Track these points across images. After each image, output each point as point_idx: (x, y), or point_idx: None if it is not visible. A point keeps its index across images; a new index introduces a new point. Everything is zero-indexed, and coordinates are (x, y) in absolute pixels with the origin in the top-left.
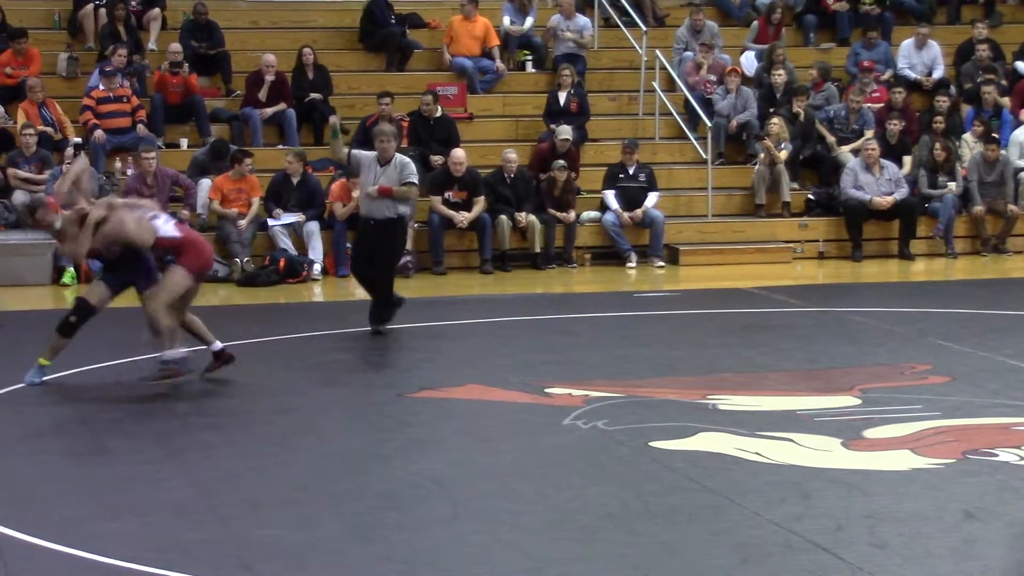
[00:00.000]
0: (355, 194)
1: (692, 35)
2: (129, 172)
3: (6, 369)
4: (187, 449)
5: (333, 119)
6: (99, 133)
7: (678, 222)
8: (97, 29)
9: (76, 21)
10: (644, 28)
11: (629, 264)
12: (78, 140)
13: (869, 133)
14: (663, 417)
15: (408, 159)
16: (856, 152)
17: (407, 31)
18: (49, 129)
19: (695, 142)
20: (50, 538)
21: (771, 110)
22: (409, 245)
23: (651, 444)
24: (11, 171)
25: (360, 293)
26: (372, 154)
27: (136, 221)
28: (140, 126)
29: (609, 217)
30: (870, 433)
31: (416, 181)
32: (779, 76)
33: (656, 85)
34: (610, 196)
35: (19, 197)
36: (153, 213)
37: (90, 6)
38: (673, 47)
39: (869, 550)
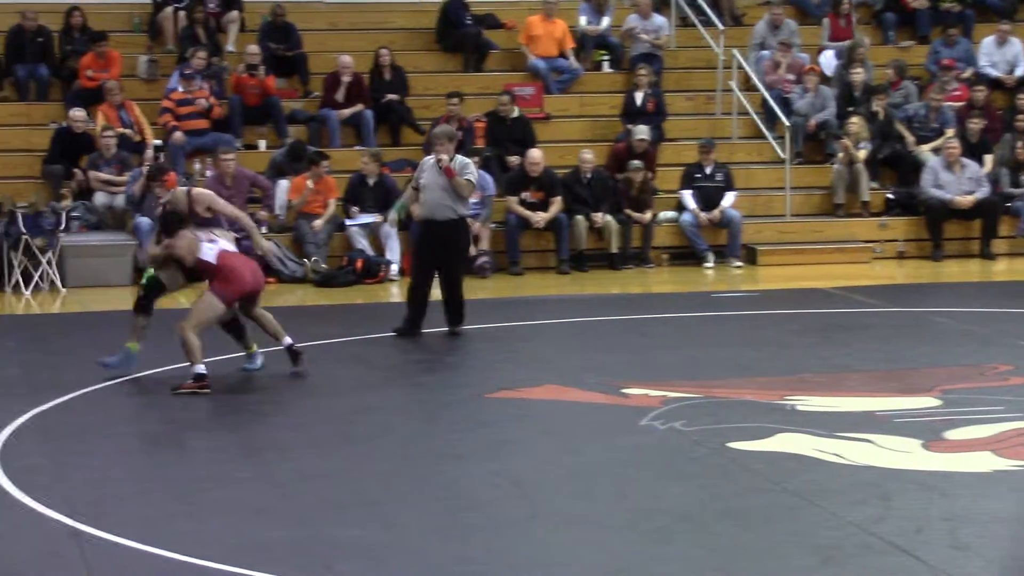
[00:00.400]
0: None
1: (770, 31)
2: (208, 173)
3: (87, 369)
4: (267, 448)
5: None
6: (178, 135)
7: (756, 222)
8: (176, 32)
9: (156, 24)
10: (721, 27)
11: (707, 264)
12: (158, 142)
13: (950, 132)
14: (741, 418)
15: (468, 160)
16: (936, 151)
17: (483, 32)
18: (128, 131)
19: (773, 141)
20: (132, 537)
21: (850, 109)
22: (486, 245)
23: (729, 445)
24: (92, 173)
25: (436, 293)
26: (433, 157)
27: (190, 242)
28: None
29: (687, 217)
30: (951, 434)
31: (473, 180)
32: (858, 75)
33: (733, 84)
34: (687, 196)
35: (100, 199)
36: (209, 238)
37: (170, 9)
38: (750, 43)
39: (950, 552)
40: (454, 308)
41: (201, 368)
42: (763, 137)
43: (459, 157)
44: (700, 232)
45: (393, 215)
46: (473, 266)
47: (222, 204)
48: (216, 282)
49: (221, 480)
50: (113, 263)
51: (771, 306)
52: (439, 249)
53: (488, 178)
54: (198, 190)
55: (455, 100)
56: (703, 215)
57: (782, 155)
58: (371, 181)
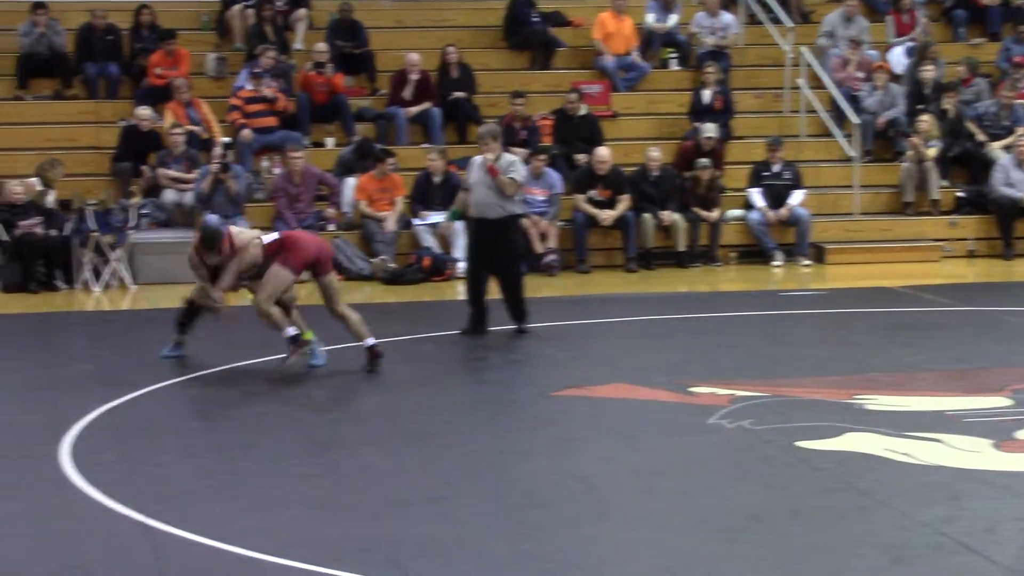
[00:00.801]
0: None
1: (842, 23)
2: (276, 171)
3: (156, 365)
4: (332, 445)
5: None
6: (246, 132)
7: (824, 220)
8: (244, 29)
9: (224, 22)
10: (790, 24)
11: (774, 263)
12: (227, 140)
13: (1021, 130)
14: (809, 417)
15: (516, 158)
16: (1007, 149)
17: (550, 29)
18: (197, 128)
19: (841, 139)
20: (201, 533)
21: (920, 107)
22: (553, 243)
23: (797, 444)
24: (160, 171)
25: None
26: (481, 157)
27: (251, 247)
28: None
29: (754, 215)
30: (1022, 434)
31: (519, 179)
32: (928, 72)
33: (802, 82)
34: (755, 194)
35: (168, 196)
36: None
37: (238, 7)
38: (819, 32)
39: (1021, 553)
40: (515, 306)
41: (291, 330)
42: (831, 135)
43: (506, 155)
44: (768, 230)
45: (447, 222)
46: (540, 264)
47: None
48: (281, 255)
49: (288, 476)
50: (182, 260)
51: (839, 305)
52: (490, 248)
53: (555, 176)
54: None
55: (519, 100)
56: (771, 213)
57: (851, 153)
58: (437, 179)
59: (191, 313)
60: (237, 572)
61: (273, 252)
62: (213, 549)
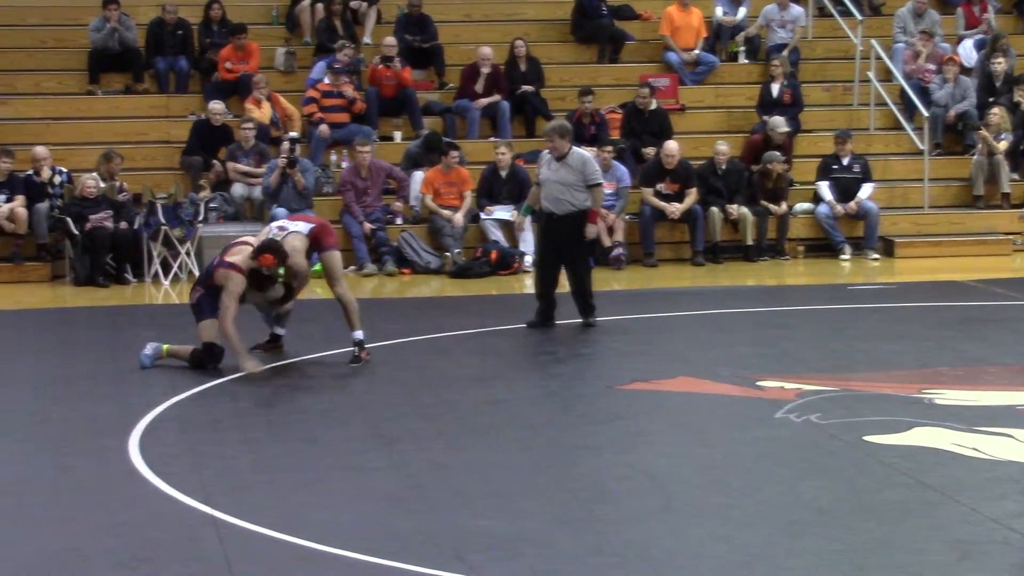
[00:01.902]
0: None
1: (913, 18)
2: (344, 164)
3: (223, 358)
4: (398, 439)
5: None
6: (324, 128)
7: (893, 214)
8: (314, 24)
9: (293, 16)
10: (860, 17)
11: (843, 256)
12: (294, 135)
13: None
14: (877, 411)
15: (589, 156)
16: None
17: (618, 22)
18: (271, 124)
19: (911, 132)
20: (267, 525)
21: (991, 99)
22: (620, 237)
23: (865, 438)
24: (230, 164)
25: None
26: (548, 152)
27: (295, 253)
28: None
29: (823, 209)
30: None
31: (600, 180)
32: (999, 64)
33: (871, 75)
34: (824, 187)
35: (237, 190)
36: (281, 226)
37: (307, 1)
38: (894, 26)
39: None
40: (583, 300)
41: (359, 334)
42: (901, 128)
43: (576, 151)
44: (836, 224)
45: (520, 217)
46: (608, 257)
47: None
48: (324, 240)
49: (354, 469)
50: None
51: (908, 299)
52: (560, 242)
53: (623, 169)
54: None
55: (588, 98)
56: (839, 206)
57: (921, 146)
58: (504, 173)
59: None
60: (302, 564)
61: (316, 238)
62: (279, 541)
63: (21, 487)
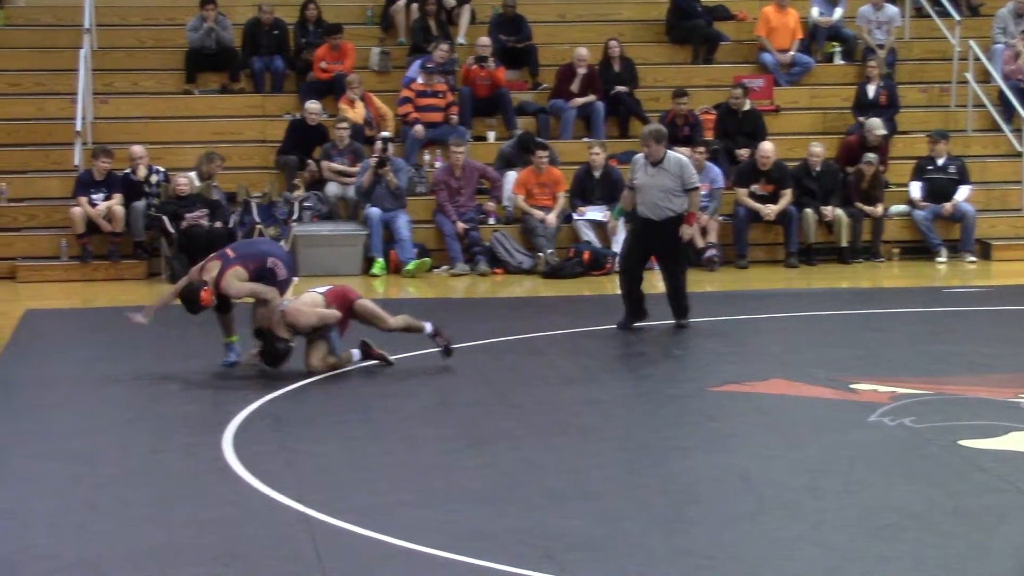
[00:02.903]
0: None
1: (1014, 19)
2: (437, 164)
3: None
4: (492, 438)
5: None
6: (419, 128)
7: (991, 216)
8: (408, 24)
9: (388, 16)
10: (957, 18)
11: (939, 259)
12: (386, 134)
13: None
14: (973, 415)
15: (685, 160)
16: None
17: (714, 23)
18: (364, 124)
19: (1009, 134)
20: (359, 523)
21: None
22: (714, 238)
23: (960, 443)
24: (325, 163)
25: (662, 285)
26: (642, 155)
27: (307, 307)
28: (453, 118)
29: (919, 211)
30: None
31: (698, 183)
32: None
33: (969, 76)
34: (915, 187)
35: (332, 189)
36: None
37: (402, 2)
38: (993, 27)
39: None
40: (678, 302)
41: (429, 326)
42: (999, 130)
43: (671, 155)
44: (933, 226)
45: (613, 221)
46: (701, 258)
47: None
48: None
49: (447, 468)
50: (344, 252)
51: (1005, 302)
52: (656, 246)
53: (717, 170)
54: (224, 282)
55: (682, 99)
56: (923, 203)
57: (1019, 148)
58: (597, 173)
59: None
60: (394, 563)
61: (336, 296)
62: (371, 539)
63: (116, 483)
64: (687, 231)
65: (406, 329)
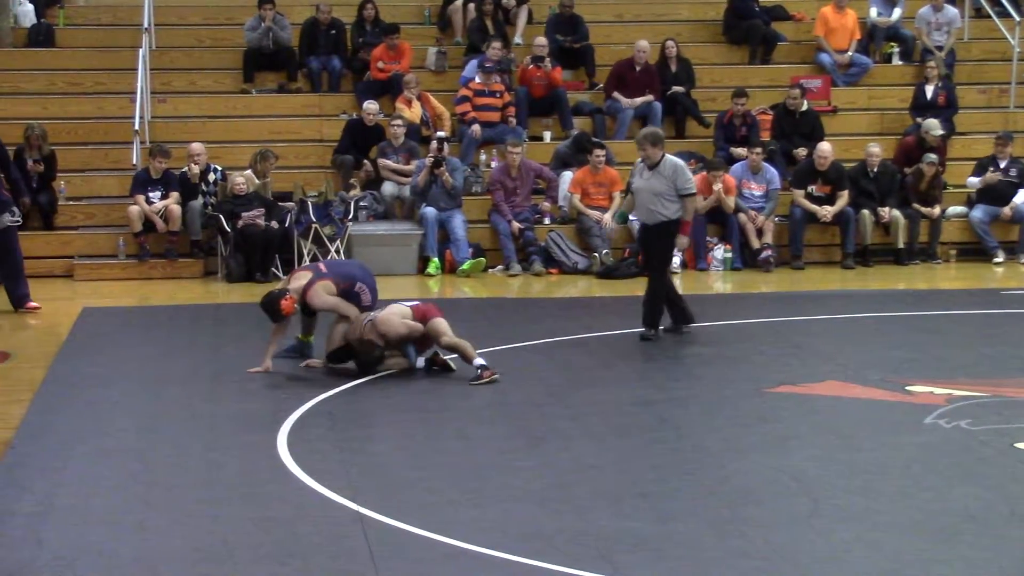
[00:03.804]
0: (716, 187)
1: None
2: (493, 164)
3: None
4: (546, 439)
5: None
6: (476, 127)
7: None
8: (465, 24)
9: (445, 16)
10: (1017, 19)
11: (996, 260)
12: (442, 133)
13: None
14: None
15: (681, 164)
16: None
17: (771, 23)
18: (420, 124)
19: None
20: (414, 523)
21: None
22: (770, 239)
23: (1017, 445)
24: (381, 161)
25: (718, 286)
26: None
27: (393, 318)
28: (511, 120)
29: (976, 213)
30: None
31: (693, 189)
32: None
33: None
34: (975, 183)
35: (387, 189)
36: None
37: (459, 2)
38: None
39: None
40: (649, 309)
41: (480, 360)
42: None
43: (668, 159)
44: (989, 228)
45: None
46: (757, 259)
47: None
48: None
49: (501, 468)
50: (399, 252)
51: None
52: (646, 250)
53: (773, 171)
54: (311, 292)
55: (741, 100)
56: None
57: None
58: None
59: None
60: (449, 563)
61: (422, 313)
62: (425, 539)
63: (171, 480)
64: (683, 241)
65: (456, 349)
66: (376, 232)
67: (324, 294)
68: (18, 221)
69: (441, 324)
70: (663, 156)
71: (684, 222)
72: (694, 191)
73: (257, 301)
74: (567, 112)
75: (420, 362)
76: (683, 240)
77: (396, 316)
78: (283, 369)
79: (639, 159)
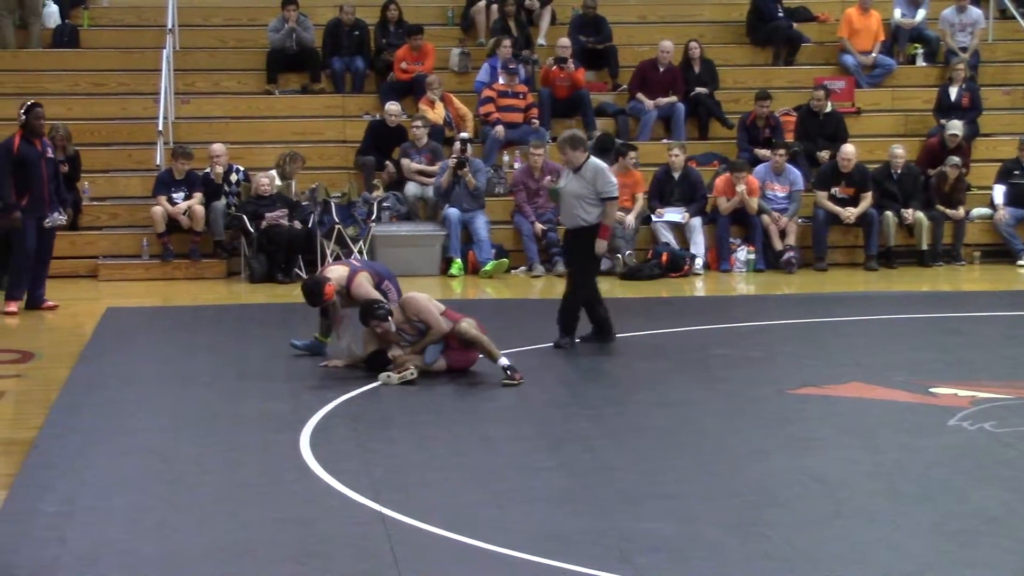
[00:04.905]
0: (739, 188)
1: None
2: (516, 165)
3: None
4: (567, 440)
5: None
6: (499, 128)
7: None
8: (489, 25)
9: (468, 17)
10: None
11: (1020, 262)
12: (465, 135)
13: None
14: None
15: (603, 168)
16: None
17: (795, 25)
18: (443, 125)
19: None
20: (435, 523)
21: None
22: (792, 240)
23: None
24: (404, 161)
25: (741, 287)
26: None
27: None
28: (534, 122)
29: (1002, 215)
30: None
31: (614, 193)
32: None
33: None
34: (998, 191)
35: (411, 190)
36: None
37: (482, 2)
38: None
39: None
40: (564, 316)
41: (504, 360)
42: None
43: (591, 162)
44: (1015, 230)
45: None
46: (780, 261)
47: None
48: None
49: (523, 469)
50: (422, 253)
51: None
52: (567, 254)
53: (797, 172)
54: (355, 282)
55: (765, 102)
56: (1005, 211)
57: None
58: (677, 175)
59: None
60: (470, 563)
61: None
62: (446, 539)
63: (194, 480)
64: (601, 245)
65: (479, 345)
66: (399, 233)
67: (367, 284)
68: (63, 222)
69: (468, 322)
70: (587, 159)
71: (603, 226)
72: (615, 195)
73: (280, 301)
74: (590, 113)
75: (444, 362)
76: (601, 244)
77: (426, 298)
78: (305, 370)
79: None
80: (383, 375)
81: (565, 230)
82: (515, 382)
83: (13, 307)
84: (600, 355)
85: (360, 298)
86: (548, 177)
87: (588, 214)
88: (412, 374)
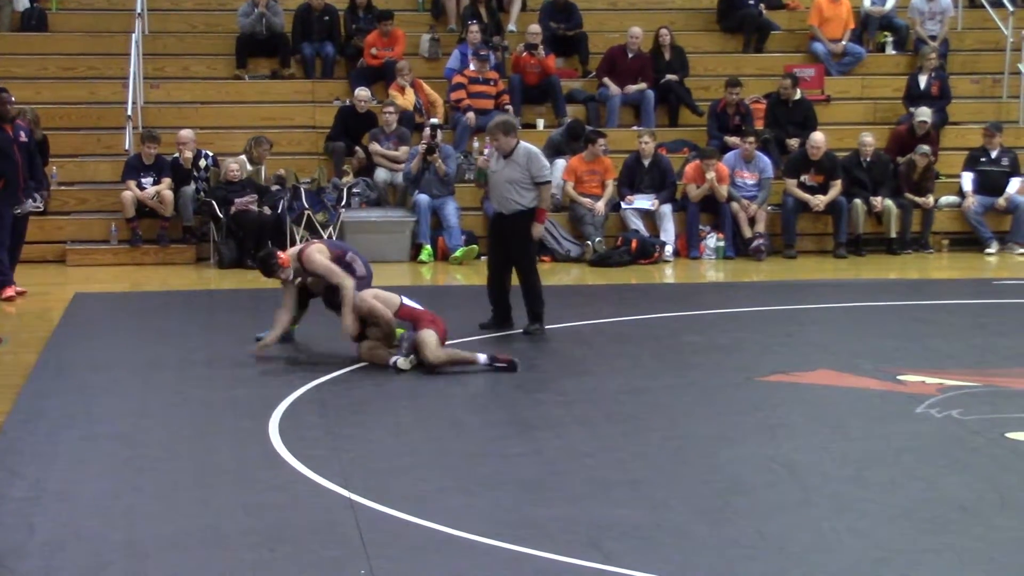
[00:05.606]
0: (709, 176)
1: None
2: (486, 152)
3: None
4: (538, 426)
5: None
6: (470, 115)
7: None
8: (459, 11)
9: (439, 3)
10: (1011, 8)
11: (988, 250)
12: (435, 121)
13: None
14: (1021, 408)
15: (535, 151)
16: None
17: (765, 12)
18: (413, 111)
19: None
20: (404, 509)
21: None
22: (762, 228)
23: (1008, 435)
24: (372, 146)
25: (710, 274)
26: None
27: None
28: (507, 108)
29: (971, 203)
30: None
31: (548, 177)
32: None
33: (1022, 67)
34: (967, 179)
35: (380, 175)
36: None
37: None
38: None
39: None
40: (530, 303)
41: (483, 358)
42: None
43: (523, 146)
44: (983, 218)
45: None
46: (748, 248)
47: (317, 264)
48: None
49: (493, 456)
50: (392, 239)
51: None
52: (507, 241)
53: (766, 160)
54: (307, 252)
55: (735, 90)
56: (973, 198)
57: None
58: (647, 162)
59: None
60: (439, 549)
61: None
62: (416, 526)
63: (163, 466)
64: (538, 229)
65: (452, 363)
66: (369, 219)
67: (319, 256)
68: (40, 208)
69: (429, 336)
70: (517, 144)
71: (540, 210)
72: (549, 179)
73: (249, 287)
74: (560, 100)
75: (401, 361)
76: (538, 228)
77: (374, 297)
78: (275, 356)
79: (488, 147)
80: (392, 359)
81: (497, 216)
82: (503, 364)
83: (10, 292)
84: (570, 341)
85: (314, 269)
86: (483, 156)
87: (523, 198)
88: (411, 359)
